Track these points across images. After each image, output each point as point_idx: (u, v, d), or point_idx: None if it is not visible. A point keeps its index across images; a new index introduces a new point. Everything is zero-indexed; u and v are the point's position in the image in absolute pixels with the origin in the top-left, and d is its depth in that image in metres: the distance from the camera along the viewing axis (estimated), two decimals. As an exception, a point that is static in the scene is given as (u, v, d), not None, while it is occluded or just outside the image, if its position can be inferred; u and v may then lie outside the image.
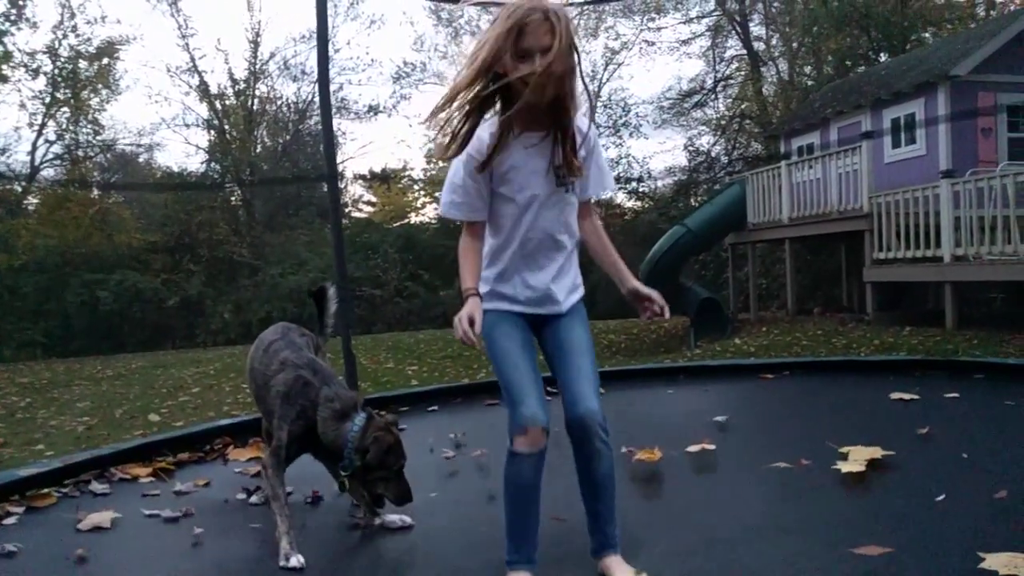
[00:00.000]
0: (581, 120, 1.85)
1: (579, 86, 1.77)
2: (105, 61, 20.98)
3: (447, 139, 1.75)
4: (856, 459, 2.25)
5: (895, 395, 3.15)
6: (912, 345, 8.22)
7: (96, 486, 2.76)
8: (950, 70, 10.85)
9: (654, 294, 1.86)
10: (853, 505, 1.94)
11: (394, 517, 2.25)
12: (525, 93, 1.69)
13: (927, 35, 18.12)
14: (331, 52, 4.59)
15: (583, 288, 1.97)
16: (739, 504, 2.11)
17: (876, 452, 2.29)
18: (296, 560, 1.95)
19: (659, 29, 22.68)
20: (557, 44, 1.65)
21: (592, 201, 1.98)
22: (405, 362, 11.01)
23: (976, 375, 3.52)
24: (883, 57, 17.47)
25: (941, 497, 1.88)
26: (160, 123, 34.52)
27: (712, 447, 2.63)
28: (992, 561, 1.49)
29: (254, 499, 2.58)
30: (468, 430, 3.19)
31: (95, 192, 20.77)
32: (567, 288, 1.92)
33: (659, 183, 22.68)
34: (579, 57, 1.76)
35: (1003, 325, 9.16)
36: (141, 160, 25.10)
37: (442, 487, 2.56)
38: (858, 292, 11.55)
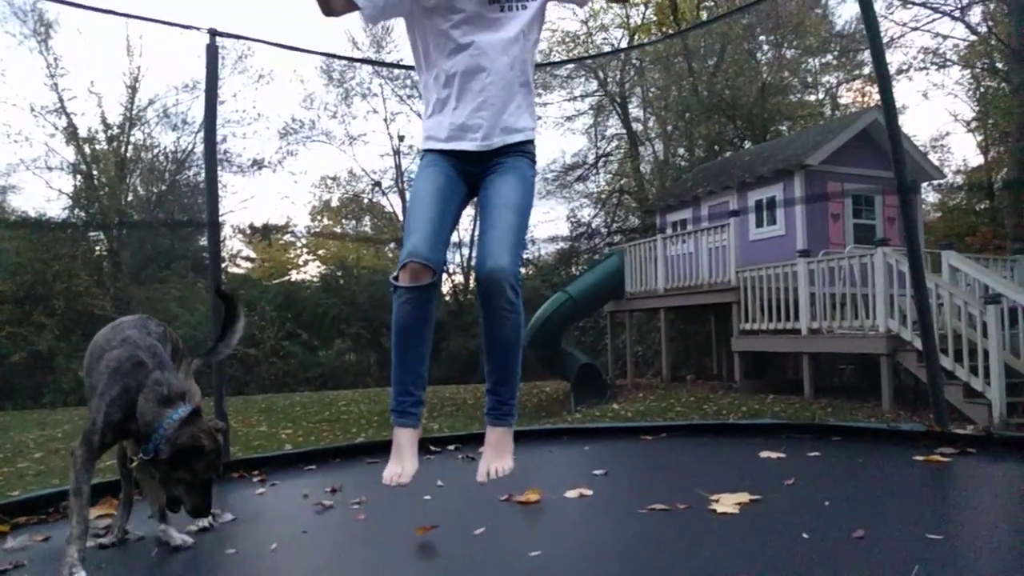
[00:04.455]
0: None
1: None
2: (-42, 94, 19.48)
3: None
4: (728, 503, 2.40)
5: (764, 453, 3.35)
6: (775, 412, 8.73)
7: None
8: (804, 160, 11.96)
9: None
10: (728, 540, 2.03)
11: (176, 536, 2.12)
12: None
13: (784, 128, 20.01)
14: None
15: (531, 134, 1.83)
16: (618, 539, 2.15)
17: (746, 498, 2.46)
18: None
19: (545, 105, 23.71)
20: None
21: None
22: (279, 425, 10.50)
23: (835, 437, 3.78)
24: (747, 144, 19.07)
25: (806, 536, 1.99)
26: (18, 164, 32.12)
27: (590, 492, 2.72)
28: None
29: (106, 540, 2.31)
30: (347, 483, 3.06)
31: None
32: (497, 124, 1.77)
33: (543, 251, 23.36)
34: None
35: (852, 394, 9.95)
36: (-8, 202, 23.15)
37: (312, 524, 2.44)
38: (727, 361, 12.20)
